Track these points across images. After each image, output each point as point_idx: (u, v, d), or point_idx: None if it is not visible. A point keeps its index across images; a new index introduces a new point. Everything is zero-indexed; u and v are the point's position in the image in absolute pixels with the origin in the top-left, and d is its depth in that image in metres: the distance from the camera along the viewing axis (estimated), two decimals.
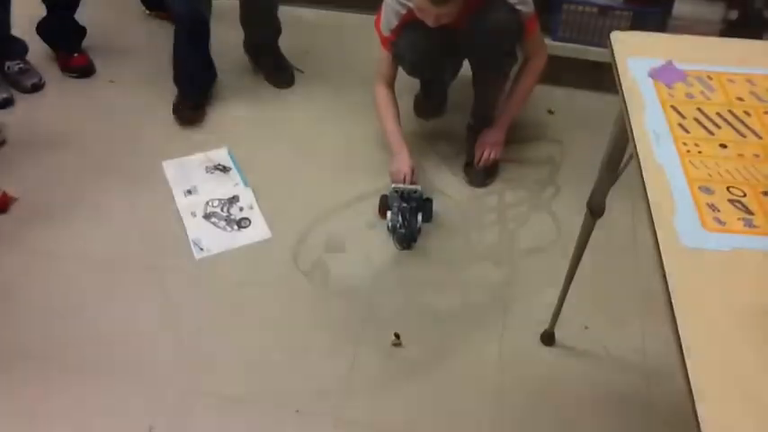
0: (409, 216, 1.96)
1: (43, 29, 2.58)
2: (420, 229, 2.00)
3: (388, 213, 1.99)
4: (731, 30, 2.27)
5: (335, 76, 2.61)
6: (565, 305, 1.69)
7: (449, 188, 2.18)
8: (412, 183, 2.01)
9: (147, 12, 2.91)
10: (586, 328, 1.78)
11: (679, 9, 2.29)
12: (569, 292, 1.65)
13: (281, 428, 1.58)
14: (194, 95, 2.47)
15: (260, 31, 2.58)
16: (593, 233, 1.51)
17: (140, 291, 1.87)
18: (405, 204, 1.97)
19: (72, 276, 1.90)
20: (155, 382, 1.66)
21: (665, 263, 0.81)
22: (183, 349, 1.73)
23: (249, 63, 2.64)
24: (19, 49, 2.56)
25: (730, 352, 0.73)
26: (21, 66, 2.54)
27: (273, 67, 2.60)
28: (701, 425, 0.67)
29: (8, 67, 2.52)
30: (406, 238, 1.96)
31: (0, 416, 1.58)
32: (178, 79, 2.44)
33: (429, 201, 2.06)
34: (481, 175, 2.20)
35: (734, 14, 2.28)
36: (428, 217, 2.04)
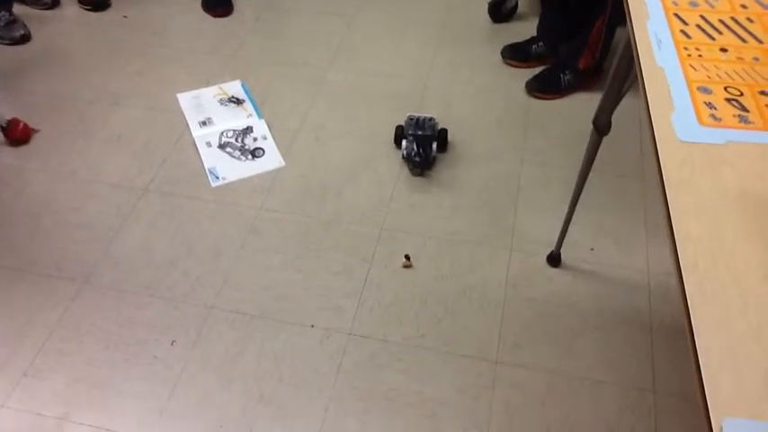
0: (424, 143, 1.99)
1: None
2: (435, 157, 2.04)
3: (404, 142, 2.03)
4: None
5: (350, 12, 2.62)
6: (571, 227, 1.73)
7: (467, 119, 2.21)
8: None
9: None
10: (592, 249, 1.82)
11: None
12: (576, 214, 1.69)
13: (296, 341, 1.65)
14: None
15: None
16: (601, 156, 1.54)
17: (160, 215, 1.93)
18: (419, 132, 2.00)
19: (95, 201, 1.97)
20: (176, 300, 1.73)
21: (660, 155, 0.85)
22: (202, 269, 1.80)
23: None
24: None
25: (721, 235, 0.77)
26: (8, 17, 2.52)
27: None
28: (689, 300, 0.71)
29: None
30: (421, 165, 2.00)
31: (25, 328, 1.67)
32: None
33: (443, 131, 2.08)
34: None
35: None
36: (443, 147, 2.07)
